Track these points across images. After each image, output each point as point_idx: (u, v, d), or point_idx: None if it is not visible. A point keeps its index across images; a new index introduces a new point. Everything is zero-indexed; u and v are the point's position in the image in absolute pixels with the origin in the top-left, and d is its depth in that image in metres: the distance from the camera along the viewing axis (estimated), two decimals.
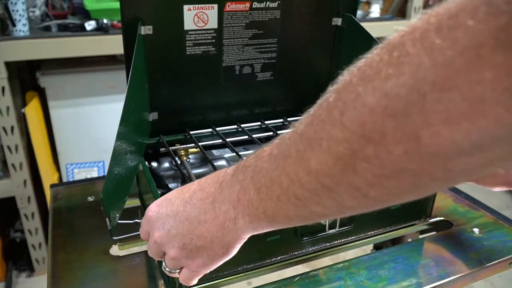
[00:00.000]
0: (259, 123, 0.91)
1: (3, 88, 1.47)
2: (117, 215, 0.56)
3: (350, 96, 0.27)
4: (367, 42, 0.83)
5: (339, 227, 0.68)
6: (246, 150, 0.85)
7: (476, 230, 0.79)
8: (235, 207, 0.36)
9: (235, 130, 0.88)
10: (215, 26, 0.80)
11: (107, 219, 0.52)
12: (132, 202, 0.88)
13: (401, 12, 2.27)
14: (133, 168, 0.68)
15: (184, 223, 0.40)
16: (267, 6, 0.82)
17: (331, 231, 0.68)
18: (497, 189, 0.66)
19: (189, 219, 0.39)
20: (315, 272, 0.66)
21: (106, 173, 0.55)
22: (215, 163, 0.74)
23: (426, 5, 2.47)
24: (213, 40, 0.81)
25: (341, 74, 0.30)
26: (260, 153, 0.35)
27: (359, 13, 2.11)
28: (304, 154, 0.29)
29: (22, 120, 1.65)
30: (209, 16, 0.78)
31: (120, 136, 0.58)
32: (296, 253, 0.68)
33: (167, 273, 0.45)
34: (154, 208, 0.44)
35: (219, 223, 0.38)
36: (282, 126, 0.92)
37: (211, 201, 0.38)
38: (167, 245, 0.42)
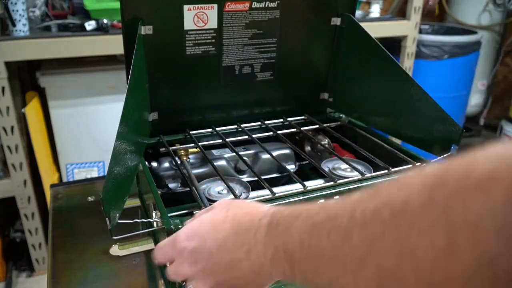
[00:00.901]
0: (259, 123, 0.91)
1: (3, 88, 1.47)
2: (117, 214, 0.56)
3: None
4: (366, 41, 0.84)
5: None
6: (246, 150, 0.85)
7: None
8: (271, 264, 0.35)
9: (235, 130, 0.88)
10: (215, 26, 0.80)
11: (107, 219, 0.52)
12: (132, 202, 0.88)
13: (401, 12, 2.27)
14: (133, 168, 0.68)
15: (220, 265, 0.40)
16: (266, 6, 0.82)
17: None
18: None
19: (224, 262, 0.39)
20: None
21: (106, 173, 0.55)
22: (215, 163, 0.74)
23: (426, 5, 2.47)
24: (213, 40, 0.81)
25: None
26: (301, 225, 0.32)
27: (359, 13, 2.11)
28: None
29: (22, 120, 1.65)
30: (209, 16, 0.78)
31: (120, 136, 0.58)
32: None
33: None
34: (185, 241, 0.43)
35: (255, 271, 0.37)
36: (282, 126, 0.92)
37: (246, 250, 0.37)
38: (200, 280, 0.42)
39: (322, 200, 0.33)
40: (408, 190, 0.24)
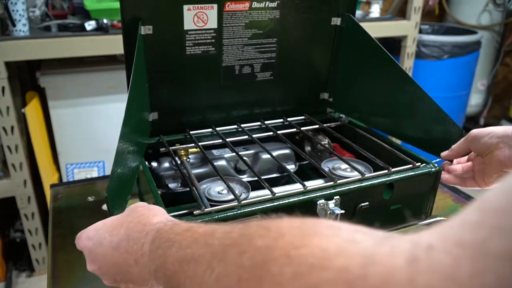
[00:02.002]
0: (259, 123, 0.91)
1: (3, 88, 1.47)
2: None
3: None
4: (366, 42, 0.84)
5: None
6: (246, 150, 0.85)
7: None
8: (154, 277, 0.40)
9: (235, 130, 0.88)
10: (215, 26, 0.80)
11: None
12: (132, 202, 0.88)
13: (401, 12, 2.27)
14: (135, 168, 0.68)
15: (113, 267, 0.45)
16: (266, 6, 0.82)
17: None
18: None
19: (117, 265, 0.44)
20: None
21: (109, 173, 0.55)
22: (215, 163, 0.74)
23: (426, 5, 2.47)
24: (213, 40, 0.81)
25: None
26: (176, 239, 0.37)
27: (359, 13, 2.11)
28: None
29: (22, 120, 1.65)
30: (209, 16, 0.78)
31: (123, 136, 0.59)
32: None
33: None
34: (86, 240, 0.48)
35: (143, 278, 0.42)
36: (282, 126, 0.92)
37: (134, 259, 0.42)
38: (101, 276, 0.48)
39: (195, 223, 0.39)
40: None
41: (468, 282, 0.19)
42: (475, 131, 0.68)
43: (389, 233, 0.25)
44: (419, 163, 0.72)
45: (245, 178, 0.79)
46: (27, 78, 1.87)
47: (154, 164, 0.79)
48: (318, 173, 0.75)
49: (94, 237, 0.47)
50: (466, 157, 0.74)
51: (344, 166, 0.75)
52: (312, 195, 0.64)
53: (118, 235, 0.45)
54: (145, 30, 0.74)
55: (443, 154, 0.74)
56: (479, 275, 0.19)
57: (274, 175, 0.83)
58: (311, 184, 0.66)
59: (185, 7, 0.76)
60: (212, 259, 0.31)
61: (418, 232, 0.23)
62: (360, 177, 0.68)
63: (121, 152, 0.58)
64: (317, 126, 0.91)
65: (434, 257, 0.21)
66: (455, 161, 0.75)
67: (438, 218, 0.83)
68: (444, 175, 0.74)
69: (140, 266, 0.41)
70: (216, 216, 0.58)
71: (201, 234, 0.35)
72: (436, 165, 0.73)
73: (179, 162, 0.76)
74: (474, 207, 0.22)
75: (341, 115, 0.96)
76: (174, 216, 0.58)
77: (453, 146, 0.72)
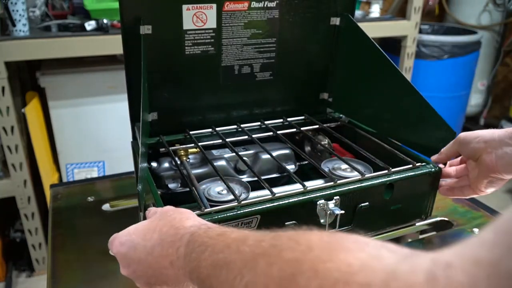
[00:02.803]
0: (258, 123, 0.91)
1: (3, 88, 1.47)
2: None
3: None
4: (363, 42, 0.83)
5: (339, 227, 0.68)
6: (246, 150, 0.85)
7: (476, 230, 0.79)
8: (189, 278, 0.41)
9: (235, 130, 0.88)
10: (214, 25, 0.80)
11: (140, 213, 0.58)
12: (132, 203, 0.88)
13: (401, 12, 2.27)
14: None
15: (148, 270, 0.46)
16: (265, 5, 0.82)
17: (330, 231, 0.68)
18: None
19: (152, 268, 0.45)
20: None
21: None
22: (215, 163, 0.74)
23: (426, 5, 2.47)
24: (212, 40, 0.81)
25: None
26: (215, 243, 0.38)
27: (359, 13, 2.11)
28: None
29: (22, 120, 1.65)
30: (208, 16, 0.78)
31: (143, 133, 0.62)
32: None
33: None
34: (119, 246, 0.49)
35: (178, 279, 0.43)
36: (282, 126, 0.91)
37: (170, 261, 0.43)
38: (135, 280, 0.48)
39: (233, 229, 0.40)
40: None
41: None
42: (463, 135, 0.67)
43: (414, 251, 0.26)
44: (419, 163, 0.72)
45: (245, 178, 0.79)
46: (27, 78, 1.87)
47: (154, 164, 0.79)
48: (318, 173, 0.75)
49: (126, 242, 0.48)
50: (458, 159, 0.73)
51: (344, 166, 0.75)
52: (312, 196, 0.64)
53: (151, 240, 0.46)
54: (144, 29, 0.74)
55: (434, 157, 0.73)
56: None
57: (274, 175, 0.83)
58: (311, 184, 0.66)
59: (184, 6, 0.76)
60: (242, 267, 0.32)
61: (439, 250, 0.24)
62: (360, 177, 0.68)
63: (144, 152, 0.61)
64: (317, 126, 0.91)
65: (452, 275, 0.22)
66: (448, 163, 0.74)
67: (438, 218, 0.83)
68: (443, 189, 0.73)
69: (175, 268, 0.42)
70: (216, 217, 0.58)
71: (233, 239, 0.36)
72: (436, 165, 0.72)
73: (178, 162, 0.76)
74: (490, 227, 0.23)
75: (341, 115, 0.96)
76: None
77: (442, 150, 0.71)
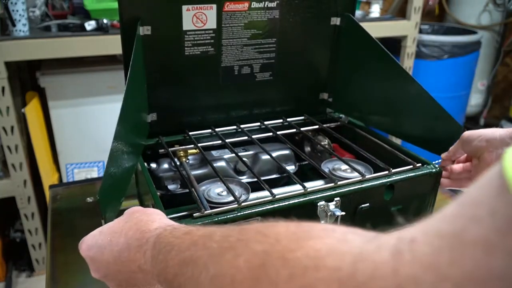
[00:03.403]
0: (258, 123, 0.91)
1: (3, 88, 1.46)
2: (114, 215, 0.56)
3: None
4: (366, 41, 0.83)
5: None
6: (246, 150, 0.85)
7: None
8: (157, 281, 0.41)
9: (234, 130, 0.88)
10: (214, 26, 0.79)
11: (102, 221, 0.52)
12: (131, 203, 0.88)
13: (401, 12, 2.26)
14: (130, 169, 0.68)
15: (118, 274, 0.45)
16: (266, 6, 0.82)
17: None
18: None
19: (121, 273, 0.45)
20: None
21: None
22: (214, 164, 0.74)
23: (426, 5, 2.47)
24: (212, 40, 0.81)
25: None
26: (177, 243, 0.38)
27: (359, 13, 2.11)
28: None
29: (22, 120, 1.65)
30: (208, 16, 0.78)
31: (117, 137, 0.58)
32: None
33: None
34: (86, 251, 0.48)
35: (148, 282, 0.43)
36: (282, 127, 0.91)
37: (138, 265, 0.43)
38: (107, 283, 0.48)
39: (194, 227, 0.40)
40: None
41: (447, 269, 0.20)
42: (466, 133, 0.68)
43: (379, 233, 0.26)
44: (420, 164, 0.72)
45: (245, 179, 0.79)
46: (27, 78, 1.87)
47: (153, 165, 0.79)
48: (318, 174, 0.75)
49: (93, 246, 0.47)
50: (464, 157, 0.74)
51: (344, 167, 0.75)
52: (313, 197, 0.63)
53: (118, 244, 0.45)
54: (144, 30, 0.74)
55: (443, 155, 0.74)
56: (457, 262, 0.20)
57: (274, 176, 0.83)
58: (311, 185, 0.66)
59: (184, 7, 0.76)
60: (208, 261, 0.32)
61: (403, 229, 0.25)
62: (361, 178, 0.68)
63: (115, 152, 0.58)
64: (316, 126, 0.91)
65: (416, 249, 0.22)
66: (456, 161, 0.75)
67: None
68: (443, 180, 0.74)
69: (144, 272, 0.42)
70: (216, 219, 0.58)
71: (200, 236, 0.36)
72: (436, 165, 0.72)
73: (178, 163, 0.76)
74: (454, 202, 0.23)
75: (340, 115, 0.96)
76: (174, 218, 0.58)
77: (450, 148, 0.72)
